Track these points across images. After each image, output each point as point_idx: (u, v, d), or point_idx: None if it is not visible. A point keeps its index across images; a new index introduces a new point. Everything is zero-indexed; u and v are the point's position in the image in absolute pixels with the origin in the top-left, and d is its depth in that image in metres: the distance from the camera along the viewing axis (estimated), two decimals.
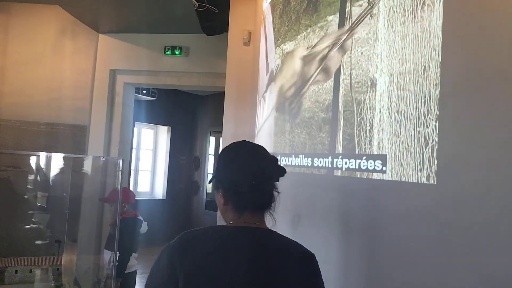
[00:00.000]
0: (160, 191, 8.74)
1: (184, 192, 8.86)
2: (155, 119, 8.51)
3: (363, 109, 2.05)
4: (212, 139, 9.04)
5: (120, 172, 2.87)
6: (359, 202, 2.12)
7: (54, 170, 4.44)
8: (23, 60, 4.99)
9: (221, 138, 9.18)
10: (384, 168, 1.91)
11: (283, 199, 2.86)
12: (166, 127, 8.89)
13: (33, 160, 4.45)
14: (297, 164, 2.64)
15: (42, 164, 4.34)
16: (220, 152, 1.35)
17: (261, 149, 1.30)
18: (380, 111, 1.94)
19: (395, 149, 1.86)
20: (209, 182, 1.76)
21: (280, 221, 2.86)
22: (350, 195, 2.18)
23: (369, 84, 2.03)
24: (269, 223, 1.32)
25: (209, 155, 9.01)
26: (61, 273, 3.06)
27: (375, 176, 2.00)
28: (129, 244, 3.21)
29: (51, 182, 4.55)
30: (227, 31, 4.28)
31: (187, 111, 9.11)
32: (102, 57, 5.13)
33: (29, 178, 4.68)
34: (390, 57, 1.94)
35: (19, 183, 4.77)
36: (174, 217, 8.10)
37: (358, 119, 2.09)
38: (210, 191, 8.95)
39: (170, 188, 8.69)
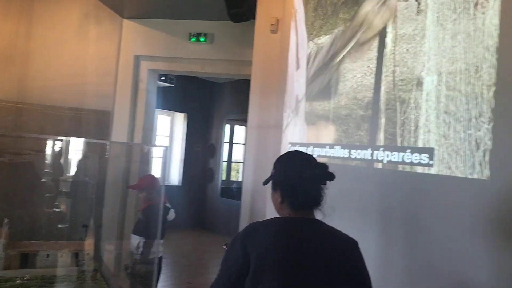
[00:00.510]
0: (175, 177, 8.79)
1: (199, 179, 8.91)
2: (171, 106, 8.52)
3: (408, 108, 2.03)
4: (228, 127, 9.05)
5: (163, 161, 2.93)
6: (401, 195, 2.11)
7: (79, 156, 4.48)
8: (47, 44, 4.99)
9: (235, 126, 9.25)
10: (430, 162, 1.90)
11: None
12: (182, 114, 8.91)
13: (58, 145, 4.48)
14: (332, 155, 2.63)
15: (67, 149, 4.37)
16: (277, 158, 1.59)
17: (312, 157, 1.54)
18: (426, 111, 1.92)
19: (443, 151, 1.84)
20: (264, 184, 1.84)
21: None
22: (392, 188, 2.17)
23: (415, 82, 2.01)
24: (318, 216, 1.53)
25: (224, 143, 9.03)
26: (91, 257, 3.10)
27: (420, 170, 1.98)
28: (155, 230, 3.21)
29: (75, 167, 4.59)
30: (254, 18, 4.24)
31: (204, 98, 9.10)
32: (127, 43, 5.12)
33: (53, 162, 4.72)
34: (439, 55, 1.91)
35: (41, 167, 4.82)
36: (189, 204, 8.17)
37: (402, 118, 2.07)
38: (224, 179, 9.00)
39: (185, 174, 8.74)
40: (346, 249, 1.44)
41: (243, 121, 9.19)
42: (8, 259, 2.91)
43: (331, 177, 1.51)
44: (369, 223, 2.30)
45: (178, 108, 8.77)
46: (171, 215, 3.47)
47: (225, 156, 9.08)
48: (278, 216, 1.50)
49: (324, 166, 1.50)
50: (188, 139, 8.87)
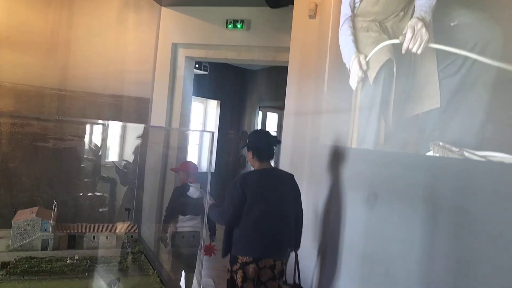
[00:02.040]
0: (205, 164, 8.88)
1: (231, 166, 8.97)
2: (205, 93, 8.59)
3: None
4: (260, 114, 9.05)
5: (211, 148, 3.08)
6: (451, 183, 2.06)
7: (120, 140, 4.59)
8: (88, 33, 5.11)
9: (267, 113, 9.26)
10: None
11: (355, 177, 2.86)
12: (215, 101, 8.97)
13: (100, 130, 4.61)
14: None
15: (111, 134, 4.50)
16: (250, 133, 3.06)
17: (268, 132, 2.99)
18: None
19: None
20: (242, 148, 3.54)
21: (351, 198, 2.87)
22: (441, 175, 2.13)
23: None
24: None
25: None
26: (136, 239, 3.19)
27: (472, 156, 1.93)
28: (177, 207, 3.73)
29: (117, 152, 4.71)
30: (292, 4, 4.21)
31: (237, 86, 9.13)
32: (165, 31, 5.18)
33: (95, 147, 4.86)
34: None
35: (85, 152, 4.97)
36: (221, 190, 8.23)
37: None
38: None
39: (218, 161, 8.81)
40: (291, 180, 2.92)
41: (275, 108, 9.20)
42: (57, 240, 3.03)
43: (278, 142, 2.95)
44: (415, 211, 2.27)
45: (211, 95, 8.83)
46: (193, 192, 3.72)
47: None
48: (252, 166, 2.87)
49: (274, 137, 2.92)
50: (221, 126, 8.92)
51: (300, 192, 2.90)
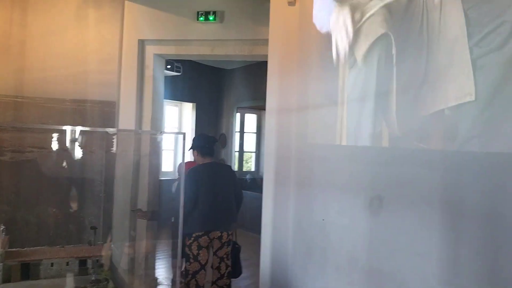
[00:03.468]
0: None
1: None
2: (179, 96, 8.19)
3: None
4: (238, 116, 8.71)
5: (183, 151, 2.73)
6: (479, 182, 1.71)
7: (84, 149, 4.12)
8: (44, 32, 4.61)
9: (245, 114, 8.88)
10: None
11: (353, 179, 2.48)
12: (191, 104, 8.58)
13: (61, 139, 4.12)
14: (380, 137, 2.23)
15: (72, 142, 4.01)
16: (194, 136, 3.94)
17: (208, 135, 4.03)
18: None
19: None
20: (189, 150, 3.58)
21: (350, 203, 2.49)
22: (465, 174, 1.77)
23: None
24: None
25: (236, 132, 8.68)
26: (102, 264, 2.74)
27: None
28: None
29: (81, 163, 4.24)
30: None
31: (212, 87, 8.78)
32: (129, 26, 4.71)
33: (57, 159, 4.37)
34: None
35: (46, 165, 4.48)
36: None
37: None
38: (237, 170, 8.64)
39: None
40: (229, 170, 3.85)
41: (254, 109, 8.85)
42: (7, 271, 2.55)
43: (216, 141, 3.82)
44: (432, 218, 1.91)
45: (186, 98, 8.44)
46: (173, 188, 4.14)
47: (237, 146, 8.73)
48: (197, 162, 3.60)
49: (213, 137, 3.83)
50: (197, 130, 8.53)
51: (236, 179, 3.75)
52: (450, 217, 1.86)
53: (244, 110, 8.80)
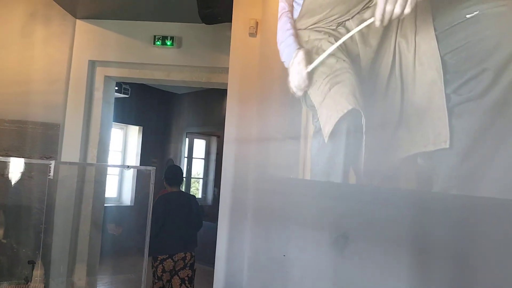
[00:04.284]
0: (128, 197, 8.10)
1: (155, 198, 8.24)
2: (125, 118, 7.90)
3: None
4: (187, 141, 8.54)
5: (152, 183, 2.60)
6: (448, 223, 1.72)
7: (22, 174, 3.80)
8: None
9: (194, 140, 8.74)
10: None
11: (318, 215, 2.44)
12: (137, 127, 8.29)
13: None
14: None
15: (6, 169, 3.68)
16: (166, 168, 4.46)
17: (177, 167, 5.00)
18: None
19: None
20: (162, 178, 4.12)
21: (314, 241, 2.44)
22: (435, 214, 1.78)
23: None
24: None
25: (185, 158, 8.48)
26: None
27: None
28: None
29: (18, 189, 3.89)
30: (230, 21, 3.81)
31: (161, 110, 8.58)
32: (80, 46, 4.47)
33: None
34: None
35: None
36: (142, 225, 7.45)
37: None
38: None
39: (138, 193, 8.04)
40: (192, 198, 4.13)
41: (203, 134, 8.72)
42: None
43: (182, 173, 4.22)
44: (400, 257, 1.89)
45: (132, 121, 8.15)
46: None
47: (184, 172, 8.51)
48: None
49: (180, 171, 4.22)
50: (143, 154, 8.24)
51: (198, 207, 4.12)
52: (418, 257, 1.85)
53: (193, 135, 8.65)
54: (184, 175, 8.54)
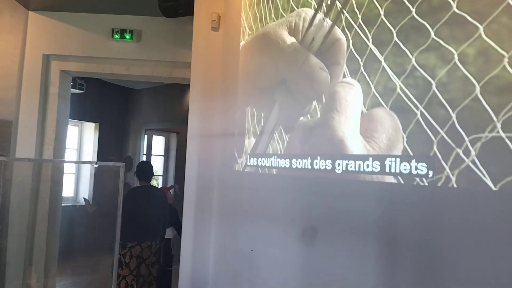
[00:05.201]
0: (85, 196, 7.83)
1: (114, 196, 8.02)
2: (81, 115, 7.62)
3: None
4: (146, 137, 8.36)
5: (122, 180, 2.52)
6: (413, 213, 1.77)
7: None
8: None
9: (153, 136, 8.57)
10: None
11: (286, 208, 2.45)
12: (93, 124, 8.02)
13: None
14: (314, 167, 2.23)
15: None
16: (138, 163, 4.57)
17: (147, 162, 4.95)
18: None
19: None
20: (134, 174, 4.44)
21: (282, 234, 2.45)
22: (400, 204, 1.83)
23: None
24: None
25: (144, 155, 8.30)
26: None
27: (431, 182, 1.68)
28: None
29: None
30: (191, 14, 3.75)
31: (119, 107, 8.34)
32: (33, 40, 4.25)
33: None
34: None
35: None
36: (100, 225, 7.25)
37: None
38: None
39: (97, 192, 7.80)
40: (160, 192, 4.40)
41: (162, 131, 8.56)
42: None
43: (151, 168, 4.41)
44: (369, 248, 1.93)
45: (88, 118, 7.87)
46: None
47: None
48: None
49: (150, 166, 4.44)
50: (100, 152, 7.98)
51: (166, 202, 4.38)
52: (386, 248, 1.89)
53: (152, 132, 8.47)
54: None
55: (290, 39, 2.54)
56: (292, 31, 2.54)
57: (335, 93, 2.16)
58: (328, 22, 2.30)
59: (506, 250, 1.48)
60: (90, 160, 8.00)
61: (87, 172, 7.83)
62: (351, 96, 2.09)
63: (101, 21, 4.31)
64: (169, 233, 4.71)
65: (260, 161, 2.72)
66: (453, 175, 1.63)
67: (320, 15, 2.35)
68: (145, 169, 4.32)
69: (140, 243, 3.99)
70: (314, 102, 2.32)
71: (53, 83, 4.34)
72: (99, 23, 4.31)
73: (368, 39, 2.06)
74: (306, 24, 2.43)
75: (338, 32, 2.23)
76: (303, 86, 2.37)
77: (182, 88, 6.54)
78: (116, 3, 4.17)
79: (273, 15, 2.84)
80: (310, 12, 2.45)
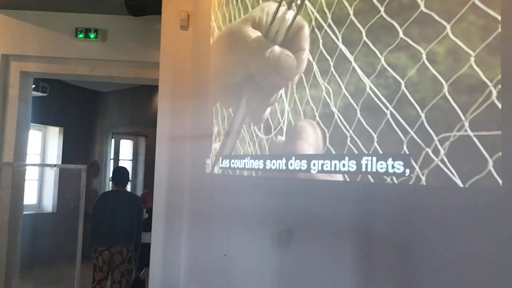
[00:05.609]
0: (49, 203, 7.55)
1: (78, 203, 7.75)
2: (44, 119, 7.34)
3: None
4: (113, 142, 8.15)
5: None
6: (386, 213, 1.77)
7: None
8: None
9: (121, 140, 8.36)
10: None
11: (260, 210, 2.41)
12: (57, 128, 7.74)
13: None
14: (288, 168, 2.20)
15: None
16: (114, 168, 5.37)
17: (122, 167, 4.80)
18: None
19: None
20: (110, 180, 4.90)
21: (257, 237, 2.41)
22: (373, 204, 1.82)
23: None
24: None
25: (111, 160, 8.08)
26: None
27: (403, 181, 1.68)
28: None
29: None
30: (159, 13, 3.66)
31: (84, 110, 8.09)
32: None
33: None
34: None
35: None
36: (64, 233, 6.98)
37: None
38: None
39: (61, 199, 7.53)
40: (134, 198, 4.36)
41: (130, 135, 8.37)
42: None
43: (124, 173, 4.35)
44: (345, 249, 1.92)
45: (52, 122, 7.59)
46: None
47: (111, 174, 8.11)
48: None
49: (124, 171, 4.38)
50: (65, 157, 7.71)
51: (141, 207, 4.29)
52: (362, 248, 1.88)
53: (119, 135, 8.27)
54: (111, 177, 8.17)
55: (255, 33, 2.56)
56: (256, 26, 2.55)
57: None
58: (290, 13, 2.31)
59: (476, 246, 1.49)
60: None
61: (50, 178, 7.55)
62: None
63: (64, 19, 4.15)
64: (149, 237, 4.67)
65: (233, 163, 2.68)
66: (423, 174, 1.64)
67: (282, 8, 2.36)
68: (121, 174, 4.30)
69: (109, 248, 3.92)
70: (281, 91, 2.32)
71: (13, 84, 4.15)
72: (62, 22, 4.16)
73: (338, 39, 2.06)
74: (270, 18, 2.45)
75: (300, 20, 2.25)
76: (271, 77, 2.38)
77: (151, 90, 6.40)
78: (80, 1, 4.03)
79: (242, 15, 2.81)
80: (273, 5, 2.45)
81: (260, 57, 2.46)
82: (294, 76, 2.21)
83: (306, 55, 2.18)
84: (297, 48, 2.23)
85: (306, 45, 2.18)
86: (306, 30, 2.20)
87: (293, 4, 2.29)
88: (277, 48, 2.36)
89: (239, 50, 2.70)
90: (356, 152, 1.89)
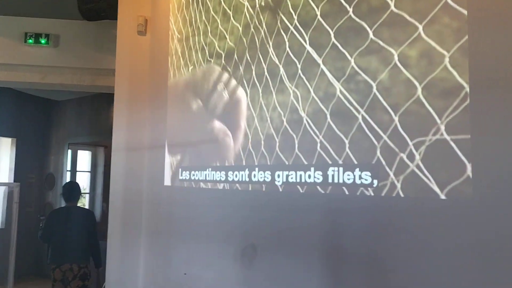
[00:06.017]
0: None
1: (34, 218, 7.34)
2: None
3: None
4: (70, 153, 7.79)
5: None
6: (358, 226, 1.66)
7: None
8: None
9: (78, 151, 8.01)
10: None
11: (222, 225, 2.25)
12: (9, 139, 7.34)
13: None
14: (252, 179, 2.05)
15: None
16: (64, 184, 4.91)
17: (74, 183, 4.46)
18: None
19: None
20: (60, 195, 4.58)
21: (218, 254, 2.25)
22: (341, 215, 1.71)
23: None
24: None
25: (67, 171, 7.70)
26: None
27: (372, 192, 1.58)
28: None
29: None
30: (115, 18, 3.47)
31: (38, 120, 7.72)
32: None
33: None
34: None
35: None
36: (18, 249, 6.54)
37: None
38: None
39: (10, 215, 7.07)
40: (88, 214, 4.17)
41: (88, 145, 8.02)
42: None
43: (75, 188, 4.14)
44: (311, 263, 1.79)
45: (3, 132, 7.20)
46: None
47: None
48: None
49: (75, 186, 4.17)
50: (18, 170, 7.30)
51: (95, 222, 4.12)
52: (330, 264, 1.77)
53: (76, 146, 7.91)
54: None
55: (196, 103, 2.63)
56: (199, 92, 2.60)
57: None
58: (232, 82, 2.30)
59: (454, 259, 1.40)
60: (6, 179, 7.28)
61: (1, 192, 7.10)
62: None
63: (12, 24, 3.89)
64: None
65: (193, 175, 2.51)
66: (398, 181, 1.54)
67: (222, 82, 2.38)
68: (71, 190, 4.14)
69: (59, 266, 3.80)
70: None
71: None
72: (10, 26, 3.88)
73: (305, 42, 1.94)
74: (210, 86, 2.48)
75: (239, 92, 2.25)
76: (210, 149, 2.44)
77: (110, 99, 6.10)
78: (30, 5, 3.79)
79: (203, 18, 2.67)
80: (216, 71, 2.45)
81: (200, 128, 2.55)
82: (231, 157, 2.24)
83: (243, 132, 2.21)
84: (236, 125, 2.26)
85: (243, 122, 2.21)
86: (244, 104, 2.23)
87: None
88: (216, 124, 2.41)
89: (182, 115, 2.82)
90: (327, 158, 1.76)
